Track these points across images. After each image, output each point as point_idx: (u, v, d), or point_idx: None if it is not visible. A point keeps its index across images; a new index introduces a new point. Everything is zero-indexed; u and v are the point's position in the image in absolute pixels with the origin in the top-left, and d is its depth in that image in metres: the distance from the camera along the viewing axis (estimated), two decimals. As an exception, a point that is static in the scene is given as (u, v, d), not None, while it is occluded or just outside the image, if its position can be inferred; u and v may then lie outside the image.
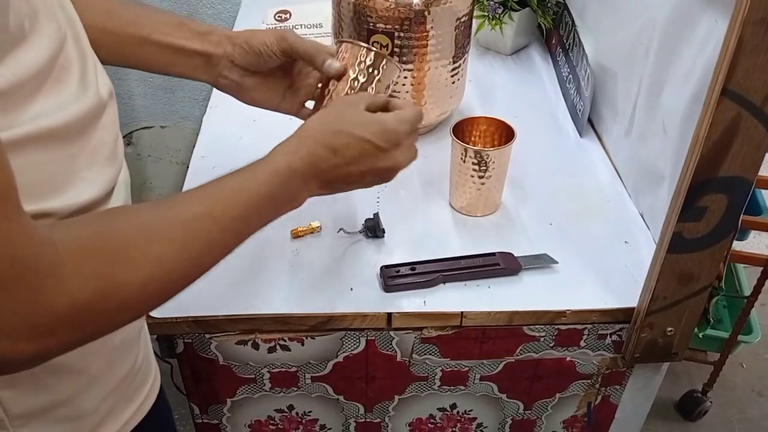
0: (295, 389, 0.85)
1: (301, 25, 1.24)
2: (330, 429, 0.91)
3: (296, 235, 0.86)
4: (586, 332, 0.80)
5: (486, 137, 0.91)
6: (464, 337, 0.80)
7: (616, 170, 0.99)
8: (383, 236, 0.86)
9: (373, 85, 0.73)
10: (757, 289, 1.39)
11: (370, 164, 0.64)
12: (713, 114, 0.59)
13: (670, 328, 0.76)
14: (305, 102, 0.80)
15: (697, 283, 0.71)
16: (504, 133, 0.89)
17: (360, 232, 0.86)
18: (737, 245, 1.53)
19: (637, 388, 0.88)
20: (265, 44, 0.74)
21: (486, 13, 1.21)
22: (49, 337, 0.41)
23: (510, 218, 0.90)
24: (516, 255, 0.82)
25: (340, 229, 0.86)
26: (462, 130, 0.89)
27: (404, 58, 0.94)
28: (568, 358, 0.83)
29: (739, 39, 0.55)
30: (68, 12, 0.53)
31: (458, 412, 0.90)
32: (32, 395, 0.53)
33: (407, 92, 0.97)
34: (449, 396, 0.87)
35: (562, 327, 0.80)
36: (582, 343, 0.82)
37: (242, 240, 0.56)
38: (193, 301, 0.77)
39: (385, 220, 0.87)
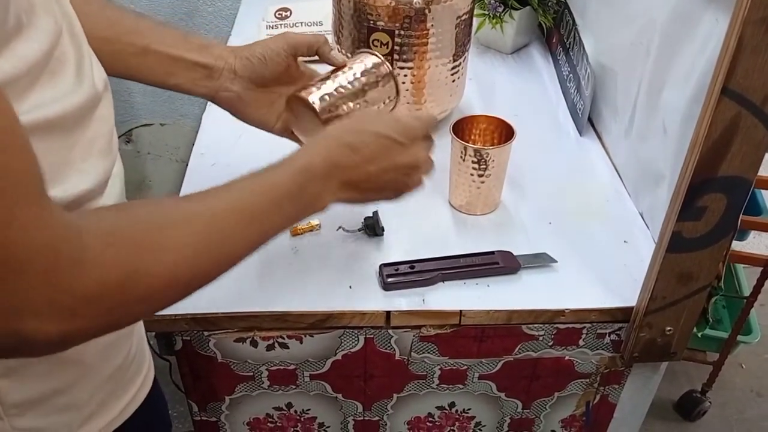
0: (294, 387, 0.85)
1: (301, 23, 1.24)
2: (328, 427, 0.91)
3: (295, 233, 0.86)
4: (584, 331, 0.80)
5: (486, 136, 0.91)
6: (463, 335, 0.80)
7: (616, 169, 0.99)
8: (383, 234, 0.86)
9: (368, 94, 0.77)
10: (757, 290, 1.39)
11: (389, 161, 0.66)
12: (713, 113, 0.59)
13: (668, 328, 0.75)
14: None
15: (696, 283, 0.71)
16: (504, 132, 0.89)
17: (359, 230, 0.86)
18: (737, 245, 1.53)
19: (636, 387, 0.88)
20: (269, 47, 0.76)
21: (487, 12, 1.21)
22: (73, 319, 0.41)
23: (509, 217, 0.90)
24: (515, 254, 0.82)
25: (340, 227, 0.86)
26: (462, 128, 0.89)
27: (404, 56, 0.93)
28: (567, 357, 0.83)
29: (739, 38, 0.55)
30: (63, 5, 0.53)
31: (457, 411, 0.90)
32: (27, 385, 0.53)
33: (407, 90, 0.97)
34: (448, 395, 0.87)
35: (561, 326, 0.80)
36: (581, 343, 0.82)
37: (267, 237, 0.57)
38: (191, 299, 0.76)
39: (385, 218, 0.86)
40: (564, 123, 1.09)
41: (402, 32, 0.91)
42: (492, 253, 0.82)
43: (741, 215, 0.67)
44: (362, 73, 0.78)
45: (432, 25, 0.92)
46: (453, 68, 0.98)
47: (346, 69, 0.78)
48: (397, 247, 0.85)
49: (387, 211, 0.87)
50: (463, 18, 0.95)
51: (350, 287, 0.79)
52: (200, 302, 0.76)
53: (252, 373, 0.83)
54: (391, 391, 0.87)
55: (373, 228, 0.85)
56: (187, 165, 0.99)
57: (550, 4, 1.22)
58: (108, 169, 0.56)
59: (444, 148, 0.89)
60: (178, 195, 0.59)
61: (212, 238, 0.51)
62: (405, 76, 0.95)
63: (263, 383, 0.84)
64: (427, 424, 0.91)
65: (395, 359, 0.82)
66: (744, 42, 0.55)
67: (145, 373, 0.66)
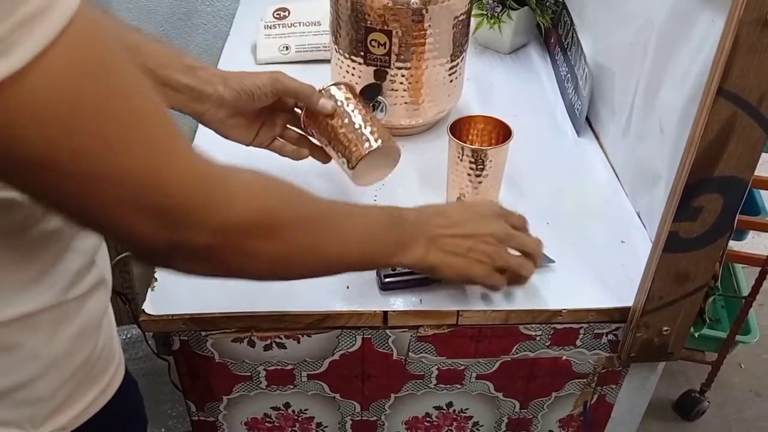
0: (291, 387, 0.85)
1: (299, 23, 1.24)
2: (326, 427, 0.91)
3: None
4: (582, 331, 0.80)
5: (483, 136, 0.91)
6: (460, 335, 0.80)
7: (614, 169, 0.99)
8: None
9: (366, 123, 0.83)
10: (756, 289, 1.39)
11: (474, 227, 0.72)
12: (709, 113, 0.59)
13: (665, 328, 0.76)
14: (277, 136, 0.85)
15: (693, 283, 0.71)
16: (501, 132, 0.89)
17: (357, 230, 0.86)
18: (736, 245, 1.53)
19: (633, 387, 0.88)
20: (257, 86, 0.78)
21: (485, 12, 1.21)
22: (218, 237, 0.49)
23: (507, 217, 0.90)
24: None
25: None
26: (459, 128, 0.89)
27: (402, 57, 0.94)
28: (564, 357, 0.83)
29: (735, 38, 0.55)
30: None
31: (454, 411, 0.90)
32: None
33: (405, 90, 0.97)
34: (445, 394, 0.87)
35: (558, 326, 0.80)
36: (578, 343, 0.82)
37: (364, 260, 0.67)
38: (189, 299, 0.77)
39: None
40: (562, 123, 1.09)
41: (399, 32, 0.91)
42: None
43: (738, 215, 0.67)
44: (356, 102, 0.85)
45: (429, 26, 0.92)
46: (451, 68, 0.98)
47: (347, 107, 0.83)
48: (395, 247, 0.85)
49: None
50: (460, 18, 0.95)
51: (347, 287, 0.79)
52: (197, 302, 0.77)
53: (250, 373, 0.83)
54: (389, 391, 0.87)
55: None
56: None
57: (548, 4, 1.22)
58: None
59: (442, 148, 0.89)
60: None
61: (340, 234, 0.61)
62: (402, 76, 0.95)
63: (261, 383, 0.84)
64: (425, 424, 0.91)
65: (393, 359, 0.82)
66: (740, 42, 0.55)
67: (115, 369, 0.66)
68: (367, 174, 0.85)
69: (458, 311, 0.77)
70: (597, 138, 1.06)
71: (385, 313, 0.77)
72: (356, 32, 0.93)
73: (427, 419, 0.91)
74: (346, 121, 0.82)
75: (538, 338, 0.81)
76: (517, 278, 0.74)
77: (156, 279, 0.79)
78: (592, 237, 0.87)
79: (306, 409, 0.88)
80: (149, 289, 0.78)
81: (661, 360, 0.82)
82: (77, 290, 0.57)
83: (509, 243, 0.73)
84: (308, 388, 0.85)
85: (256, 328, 0.78)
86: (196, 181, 0.46)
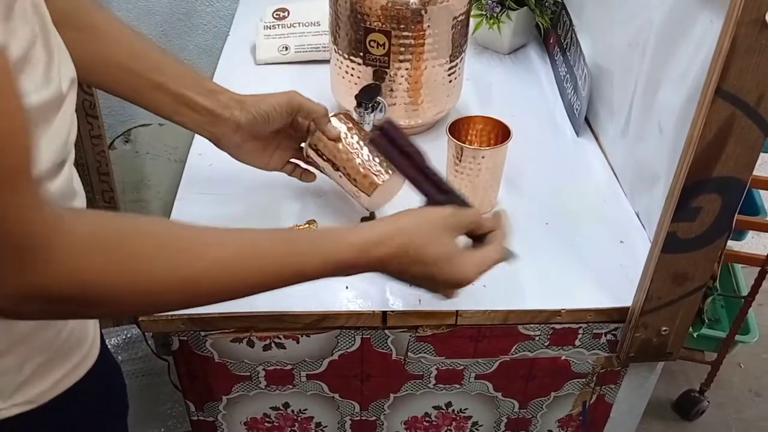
0: (291, 387, 0.85)
1: (299, 23, 1.24)
2: (326, 427, 0.91)
3: (292, 234, 0.86)
4: (581, 331, 0.81)
5: (482, 136, 0.91)
6: (459, 335, 0.80)
7: (613, 170, 1.00)
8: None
9: (366, 156, 0.84)
10: (755, 289, 1.39)
11: (434, 285, 0.66)
12: (707, 114, 0.59)
13: (664, 328, 0.76)
14: (289, 159, 0.87)
15: (692, 283, 0.72)
16: (500, 133, 0.89)
17: (356, 230, 0.86)
18: (735, 245, 1.53)
19: (632, 387, 0.88)
20: (273, 107, 0.80)
21: (484, 12, 1.21)
22: (26, 302, 0.45)
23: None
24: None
25: (336, 228, 0.86)
26: (458, 129, 0.89)
27: (401, 57, 0.94)
28: (563, 357, 0.83)
29: (733, 39, 0.55)
30: (43, 16, 0.57)
31: (453, 411, 0.90)
32: None
33: (405, 91, 0.97)
34: (444, 394, 0.87)
35: (557, 326, 0.80)
36: (577, 343, 0.82)
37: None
38: (188, 299, 0.77)
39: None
40: (561, 123, 1.09)
41: (399, 33, 0.91)
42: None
43: (737, 215, 0.67)
44: (358, 130, 0.86)
45: (428, 26, 0.92)
46: (450, 69, 0.98)
47: (351, 138, 0.84)
48: (394, 247, 0.85)
49: (384, 211, 0.87)
50: (459, 18, 0.95)
51: (347, 287, 0.79)
52: (197, 302, 0.77)
53: (249, 373, 0.83)
54: (388, 391, 0.87)
55: (369, 228, 0.85)
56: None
57: (547, 4, 1.22)
58: (60, 154, 0.58)
59: (441, 148, 0.89)
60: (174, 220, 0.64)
61: (206, 287, 0.55)
62: (402, 76, 0.95)
63: (260, 383, 0.84)
64: (424, 423, 0.92)
65: (392, 359, 0.82)
66: (738, 43, 0.55)
67: (87, 350, 0.66)
68: (379, 200, 0.86)
69: (457, 311, 0.77)
70: (596, 138, 1.06)
71: (384, 313, 0.77)
72: (355, 33, 0.93)
73: (427, 419, 0.91)
74: (356, 151, 0.84)
75: (537, 338, 0.81)
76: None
77: (155, 279, 0.79)
78: (591, 237, 0.87)
79: (305, 409, 0.88)
80: (148, 290, 0.78)
81: (659, 360, 0.82)
82: None
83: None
84: (307, 388, 0.85)
85: (255, 328, 0.78)
86: (17, 239, 0.42)
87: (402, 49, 0.93)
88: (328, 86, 1.06)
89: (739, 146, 0.61)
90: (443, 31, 0.94)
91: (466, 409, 0.90)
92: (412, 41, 0.92)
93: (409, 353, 0.82)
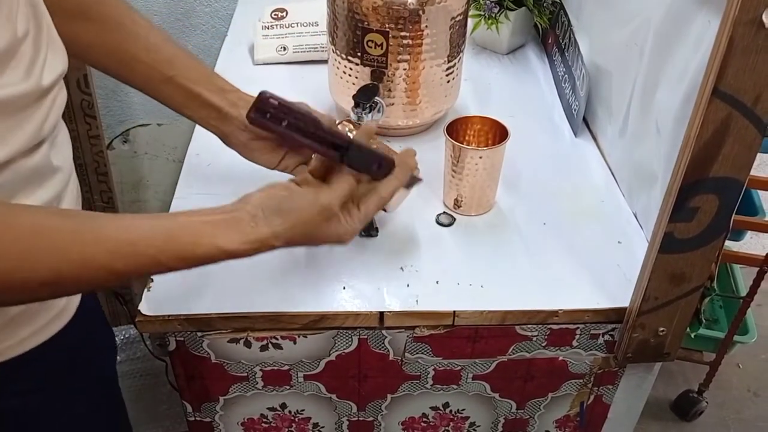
0: (288, 388, 0.85)
1: (297, 24, 1.24)
2: (323, 427, 0.91)
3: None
4: (578, 332, 0.80)
5: (480, 136, 0.91)
6: (457, 336, 0.80)
7: (611, 170, 0.99)
8: (377, 235, 0.86)
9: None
10: (753, 290, 1.40)
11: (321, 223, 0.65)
12: (704, 114, 0.59)
13: (662, 329, 0.76)
14: (301, 163, 0.85)
15: (689, 284, 0.71)
16: (498, 133, 0.89)
17: (353, 230, 0.86)
18: (734, 245, 1.53)
19: (630, 387, 0.88)
20: None
21: (482, 13, 1.21)
22: None
23: (504, 218, 0.90)
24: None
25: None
26: (456, 129, 0.89)
27: (399, 57, 0.94)
28: (561, 358, 0.83)
29: (730, 39, 0.55)
30: (38, 12, 0.59)
31: (451, 411, 0.90)
32: None
33: (403, 91, 0.97)
34: (442, 395, 0.87)
35: (555, 327, 0.80)
36: (574, 343, 0.82)
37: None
38: (185, 299, 0.77)
39: (379, 218, 0.87)
40: (559, 123, 1.09)
41: (396, 33, 0.91)
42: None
43: (736, 215, 0.67)
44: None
45: (426, 26, 0.92)
46: (448, 69, 0.98)
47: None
48: (391, 247, 0.85)
49: (381, 211, 0.87)
50: (457, 19, 0.95)
51: (344, 288, 0.79)
52: (193, 303, 0.77)
53: (246, 374, 0.83)
54: (386, 392, 0.87)
55: (367, 228, 0.85)
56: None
57: (545, 4, 1.22)
58: (34, 138, 0.60)
59: (439, 148, 0.89)
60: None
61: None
62: (400, 77, 0.95)
63: (257, 384, 0.84)
64: (422, 424, 0.91)
65: (389, 360, 0.82)
66: (735, 43, 0.55)
67: (55, 315, 0.67)
68: (392, 203, 0.84)
69: (454, 312, 0.77)
70: (594, 138, 1.06)
71: (382, 313, 0.77)
72: (353, 33, 0.93)
73: (424, 420, 0.91)
74: None
75: (534, 339, 0.81)
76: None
77: (152, 280, 0.79)
78: (588, 237, 0.87)
79: (302, 410, 0.88)
80: (145, 290, 0.78)
81: (657, 360, 0.82)
82: None
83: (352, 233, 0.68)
84: (305, 389, 0.85)
85: (252, 329, 0.78)
86: None
87: (400, 49, 0.93)
88: (326, 86, 1.06)
89: (737, 146, 0.61)
90: (441, 31, 0.94)
91: (463, 409, 0.89)
92: (410, 41, 0.92)
93: (406, 354, 0.82)
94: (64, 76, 0.64)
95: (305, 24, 1.24)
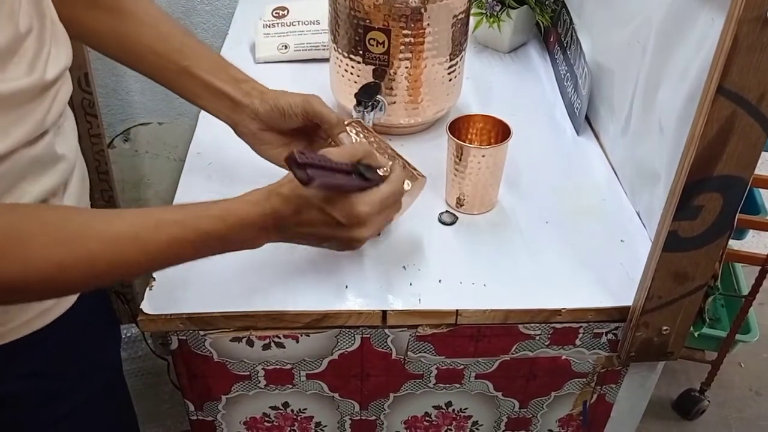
0: (290, 386, 0.85)
1: (298, 22, 1.24)
2: (325, 426, 0.91)
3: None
4: (581, 331, 0.80)
5: (482, 135, 0.91)
6: (459, 335, 0.80)
7: (613, 168, 0.99)
8: (379, 234, 0.86)
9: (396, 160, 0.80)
10: (756, 289, 1.39)
11: (329, 233, 0.68)
12: (708, 112, 0.59)
13: (665, 327, 0.75)
14: None
15: (693, 282, 0.71)
16: (500, 131, 0.89)
17: (356, 229, 0.86)
18: (736, 244, 1.53)
19: (633, 386, 0.88)
20: (290, 105, 0.80)
21: (484, 11, 1.21)
22: None
23: (506, 216, 0.90)
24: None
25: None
26: (458, 127, 0.89)
27: (401, 56, 0.93)
28: (564, 357, 0.83)
29: (735, 37, 0.55)
30: (41, 8, 0.60)
31: (454, 410, 0.89)
32: None
33: (405, 89, 0.97)
34: (444, 394, 0.87)
35: (558, 325, 0.79)
36: (577, 342, 0.81)
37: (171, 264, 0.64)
38: (187, 298, 0.77)
39: (381, 217, 0.86)
40: (561, 122, 1.09)
41: (398, 31, 0.91)
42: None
43: (738, 214, 0.67)
44: (374, 138, 0.84)
45: (428, 24, 0.91)
46: (450, 67, 0.98)
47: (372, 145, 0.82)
48: (394, 246, 0.85)
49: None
50: (459, 17, 0.95)
51: (346, 287, 0.79)
52: (196, 301, 0.76)
53: (248, 373, 0.83)
54: (388, 391, 0.86)
55: (369, 227, 0.85)
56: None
57: (547, 3, 1.21)
58: (37, 130, 0.61)
59: (441, 147, 0.89)
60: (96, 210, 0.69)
61: (99, 261, 0.57)
62: (401, 75, 0.95)
63: (260, 383, 0.84)
64: (424, 423, 0.91)
65: (392, 359, 0.82)
66: (739, 40, 0.55)
67: (36, 315, 0.67)
68: (406, 201, 0.84)
69: (457, 310, 0.77)
70: (596, 137, 1.06)
71: (384, 312, 0.77)
72: (355, 31, 0.93)
73: (427, 419, 0.91)
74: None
75: (537, 338, 0.80)
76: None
77: (154, 279, 0.79)
78: (591, 236, 0.87)
79: (305, 409, 0.88)
80: (147, 289, 0.78)
81: (660, 359, 0.82)
82: None
83: (362, 242, 0.70)
84: (307, 388, 0.85)
85: (254, 328, 0.78)
86: None
87: (402, 47, 0.93)
88: (328, 85, 1.06)
89: (741, 145, 0.61)
90: (443, 29, 0.93)
91: (466, 408, 0.89)
92: (412, 39, 0.92)
93: (409, 352, 0.81)
94: (68, 68, 0.65)
95: (306, 22, 1.24)
